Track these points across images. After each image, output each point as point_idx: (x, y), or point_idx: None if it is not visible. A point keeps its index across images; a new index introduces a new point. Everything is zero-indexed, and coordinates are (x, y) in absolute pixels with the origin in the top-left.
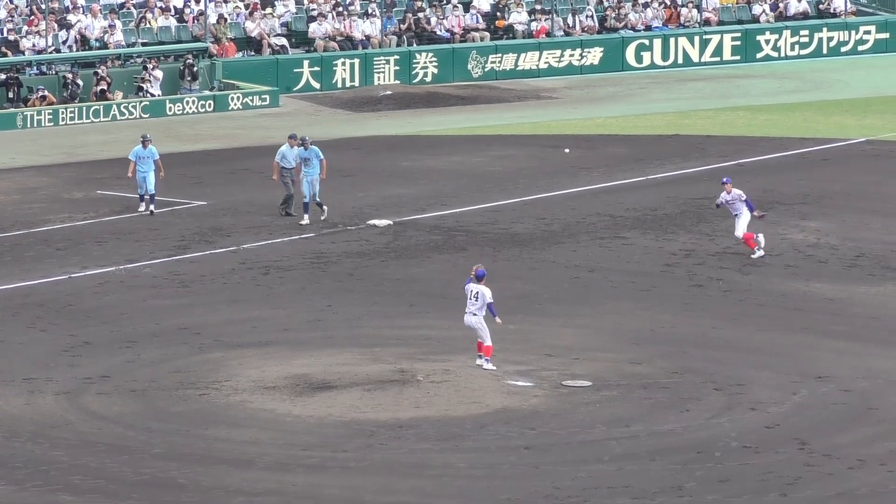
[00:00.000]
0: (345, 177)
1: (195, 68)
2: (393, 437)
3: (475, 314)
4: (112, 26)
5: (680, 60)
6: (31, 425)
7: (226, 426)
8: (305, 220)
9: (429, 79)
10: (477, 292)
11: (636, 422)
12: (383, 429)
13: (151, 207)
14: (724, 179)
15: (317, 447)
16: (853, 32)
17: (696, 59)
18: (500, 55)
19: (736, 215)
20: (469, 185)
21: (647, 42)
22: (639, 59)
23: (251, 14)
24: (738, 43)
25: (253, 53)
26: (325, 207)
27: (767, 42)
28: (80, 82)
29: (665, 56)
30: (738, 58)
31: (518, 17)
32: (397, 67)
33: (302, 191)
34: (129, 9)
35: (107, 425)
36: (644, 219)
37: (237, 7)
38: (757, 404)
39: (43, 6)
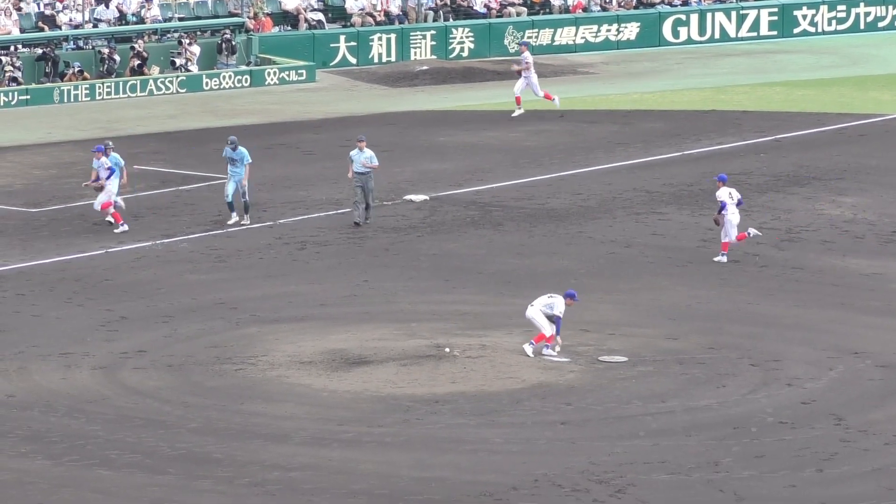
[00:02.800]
0: (381, 152)
1: (233, 43)
2: (429, 413)
3: (533, 305)
4: (149, 1)
5: (717, 35)
6: (67, 400)
7: (262, 401)
8: (234, 218)
9: (465, 54)
10: (550, 295)
11: (672, 397)
12: (419, 404)
13: (109, 219)
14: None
15: (353, 422)
16: (891, 7)
17: (732, 34)
18: (536, 30)
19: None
20: (505, 160)
21: (683, 17)
22: (675, 34)
23: None
24: (775, 18)
25: (289, 28)
26: (247, 215)
27: (804, 17)
28: (116, 57)
29: (702, 31)
30: (775, 33)
31: None
32: (434, 42)
33: (225, 190)
34: None
35: (143, 400)
36: (680, 194)
37: None
38: (793, 380)
39: None
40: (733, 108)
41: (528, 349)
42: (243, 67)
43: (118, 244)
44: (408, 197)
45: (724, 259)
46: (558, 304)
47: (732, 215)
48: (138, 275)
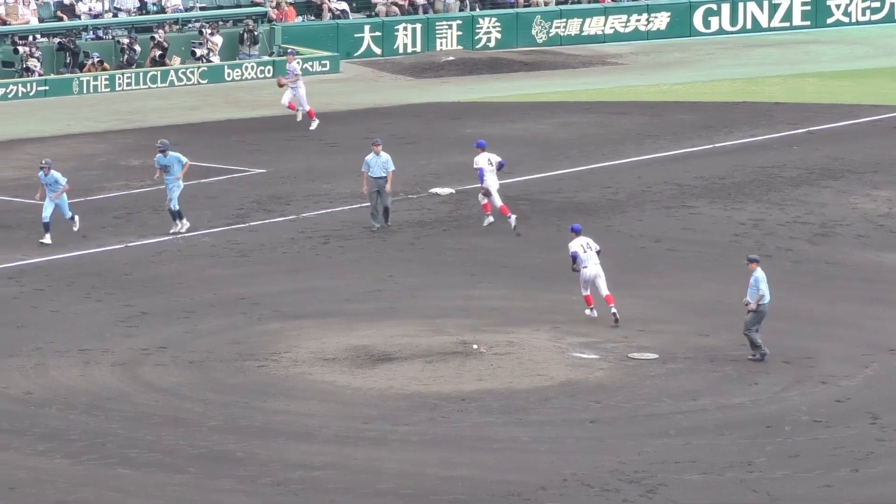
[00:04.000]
0: (406, 144)
1: (256, 33)
2: (455, 410)
3: (597, 264)
4: None
5: (748, 26)
6: (86, 397)
7: (285, 398)
8: (180, 225)
9: (492, 44)
10: (587, 243)
11: (703, 395)
12: (445, 402)
13: (74, 227)
14: None
15: (378, 420)
16: None
17: (765, 24)
18: (564, 20)
19: None
20: (533, 152)
21: (715, 7)
22: (706, 24)
23: None
24: (808, 8)
25: (313, 18)
26: (184, 221)
27: (838, 7)
28: (137, 48)
29: (733, 21)
30: (807, 23)
31: None
32: (460, 32)
33: (170, 199)
34: None
35: (163, 397)
36: (711, 187)
37: None
38: (827, 377)
39: None
40: (765, 99)
41: (595, 312)
42: (266, 58)
43: (138, 238)
44: (433, 190)
45: (491, 219)
46: (593, 242)
47: (491, 182)
48: (159, 269)
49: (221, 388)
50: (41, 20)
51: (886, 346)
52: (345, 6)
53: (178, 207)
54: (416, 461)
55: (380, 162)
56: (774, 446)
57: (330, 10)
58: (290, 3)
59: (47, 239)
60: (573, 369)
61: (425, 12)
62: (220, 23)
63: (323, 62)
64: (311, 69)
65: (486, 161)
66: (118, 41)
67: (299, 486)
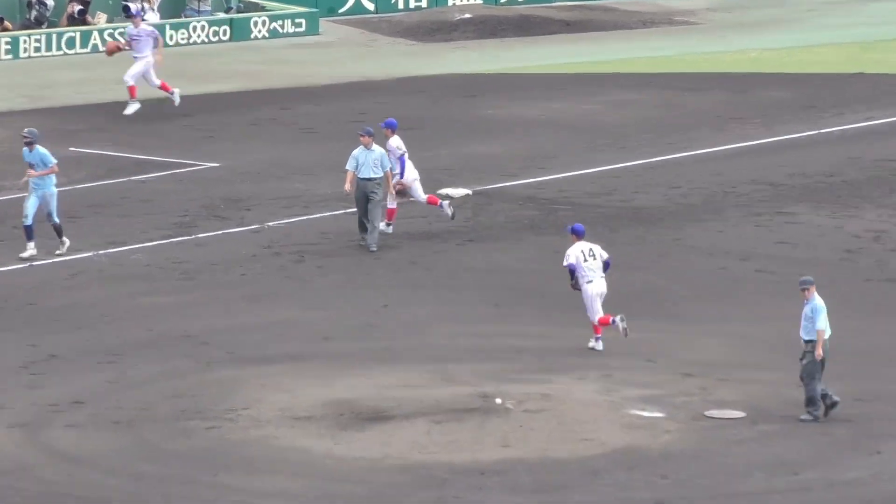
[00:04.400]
0: (408, 129)
1: None
2: (472, 487)
3: (602, 277)
4: None
5: None
6: None
7: (242, 471)
8: (31, 250)
9: None
10: (590, 249)
11: (807, 467)
12: (459, 475)
13: None
14: None
15: (367, 500)
16: None
17: None
18: None
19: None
20: (576, 141)
21: None
22: None
23: None
24: None
25: None
26: (65, 239)
27: None
28: (49, 2)
29: None
30: None
31: None
32: None
33: (24, 207)
34: None
35: (79, 470)
36: (816, 188)
37: None
38: None
39: None
40: (887, 70)
41: (600, 344)
42: (221, 15)
43: (46, 254)
44: (444, 191)
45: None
46: (596, 248)
47: (412, 173)
48: (74, 297)
49: (158, 456)
50: None
51: None
52: None
53: (32, 222)
54: None
55: (371, 158)
56: None
57: None
58: None
59: None
60: (631, 432)
61: None
62: None
63: (297, 21)
64: (280, 30)
65: (404, 146)
66: None
67: None
